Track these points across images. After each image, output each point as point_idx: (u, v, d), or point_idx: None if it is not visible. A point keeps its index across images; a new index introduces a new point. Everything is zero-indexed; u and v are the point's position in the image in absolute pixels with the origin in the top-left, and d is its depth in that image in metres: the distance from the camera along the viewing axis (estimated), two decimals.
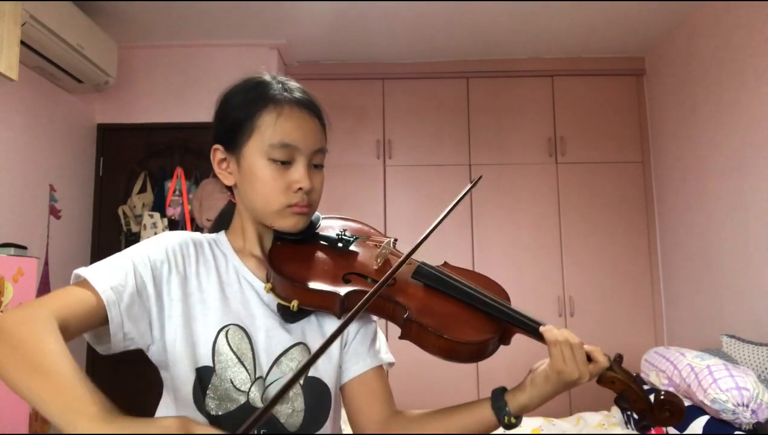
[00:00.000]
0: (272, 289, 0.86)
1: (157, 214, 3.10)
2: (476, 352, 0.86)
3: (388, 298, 0.86)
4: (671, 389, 2.26)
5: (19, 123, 2.66)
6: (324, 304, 0.86)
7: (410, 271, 0.92)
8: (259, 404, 0.82)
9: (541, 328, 0.85)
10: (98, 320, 0.75)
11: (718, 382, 1.94)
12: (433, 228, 0.85)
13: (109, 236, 3.27)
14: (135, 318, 0.78)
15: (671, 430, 2.12)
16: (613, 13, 3.05)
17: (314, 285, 0.85)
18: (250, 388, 0.82)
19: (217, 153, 0.91)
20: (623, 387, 0.85)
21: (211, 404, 0.80)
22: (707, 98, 2.90)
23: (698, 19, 2.98)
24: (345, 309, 0.85)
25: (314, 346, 0.88)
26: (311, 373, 0.87)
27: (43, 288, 2.77)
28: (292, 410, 0.84)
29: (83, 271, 0.77)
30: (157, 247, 0.84)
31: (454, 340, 0.83)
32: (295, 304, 0.84)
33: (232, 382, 0.81)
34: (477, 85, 3.62)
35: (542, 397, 0.84)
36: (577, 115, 3.57)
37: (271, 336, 0.86)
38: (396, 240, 1.00)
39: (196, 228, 3.07)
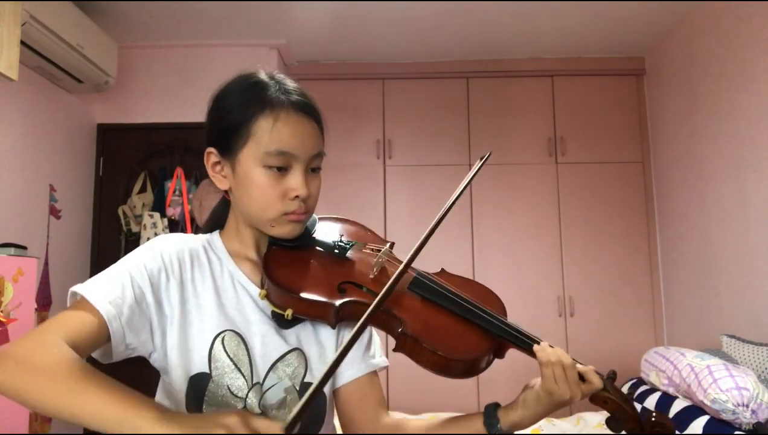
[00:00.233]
0: (267, 296, 0.85)
1: (157, 214, 3.10)
2: (470, 369, 0.86)
3: (383, 310, 0.85)
4: (671, 389, 2.26)
5: (19, 123, 2.66)
6: (319, 314, 0.85)
7: (407, 281, 0.90)
8: (257, 410, 0.81)
9: (535, 347, 0.85)
10: (104, 337, 0.74)
11: (718, 382, 1.94)
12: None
13: (109, 236, 3.27)
14: (136, 329, 0.77)
15: None
16: (613, 13, 3.05)
17: (309, 295, 0.84)
18: (247, 395, 0.81)
19: (211, 156, 0.89)
20: (615, 407, 0.85)
21: (208, 411, 0.80)
22: (707, 98, 2.90)
23: (698, 19, 2.98)
24: (340, 319, 0.85)
25: (310, 352, 0.88)
26: (308, 378, 0.86)
27: (43, 288, 2.77)
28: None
29: (80, 289, 0.76)
30: (153, 255, 0.83)
31: (449, 357, 0.83)
32: (289, 313, 0.83)
33: (229, 389, 0.81)
34: (477, 85, 3.62)
35: (534, 416, 0.84)
36: (577, 115, 3.57)
37: (267, 342, 0.85)
38: (393, 244, 0.99)
39: (196, 228, 3.07)
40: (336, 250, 0.92)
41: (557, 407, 0.84)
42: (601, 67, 3.59)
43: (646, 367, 2.52)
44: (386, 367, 0.99)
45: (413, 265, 0.87)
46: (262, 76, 0.88)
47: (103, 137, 3.36)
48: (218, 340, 0.82)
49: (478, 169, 0.94)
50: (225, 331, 0.83)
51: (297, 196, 0.84)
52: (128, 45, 3.31)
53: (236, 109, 0.84)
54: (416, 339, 0.83)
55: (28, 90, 2.72)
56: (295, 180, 0.84)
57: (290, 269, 0.87)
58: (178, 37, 3.32)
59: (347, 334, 0.92)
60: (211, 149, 0.88)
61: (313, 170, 0.87)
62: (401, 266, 0.82)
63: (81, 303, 0.75)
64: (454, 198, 0.89)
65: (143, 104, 3.36)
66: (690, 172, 3.09)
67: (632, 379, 2.72)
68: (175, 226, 3.14)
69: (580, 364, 0.86)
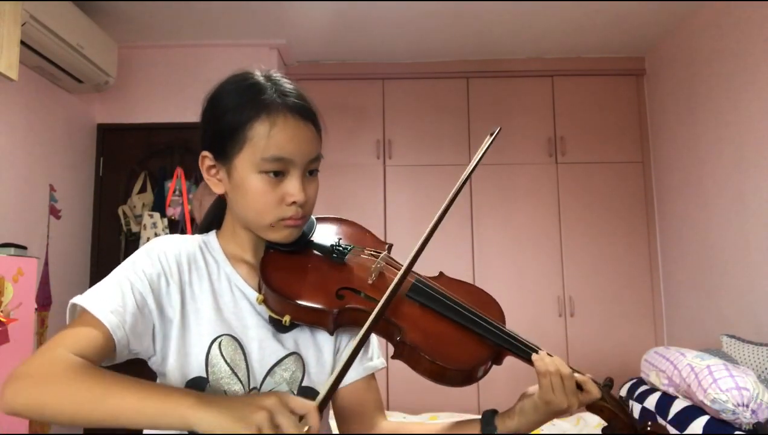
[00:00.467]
0: (264, 302, 0.84)
1: (157, 214, 3.10)
2: (467, 378, 0.85)
3: (382, 318, 0.84)
4: (671, 389, 2.26)
5: (19, 123, 2.66)
6: (317, 321, 0.84)
7: (406, 287, 0.89)
8: None
9: (533, 357, 0.85)
10: (110, 347, 0.73)
11: (718, 382, 1.94)
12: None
13: (109, 236, 3.27)
14: (139, 335, 0.77)
15: (672, 429, 2.12)
16: (613, 13, 3.05)
17: (307, 303, 0.83)
18: None
19: (206, 160, 0.87)
20: (611, 416, 0.85)
21: None
22: (707, 98, 2.90)
23: (698, 19, 2.98)
24: (338, 326, 0.84)
25: (307, 356, 0.87)
26: (305, 382, 0.86)
27: (43, 288, 2.77)
28: None
29: (80, 301, 0.75)
30: (151, 259, 0.82)
31: (447, 367, 0.82)
32: (287, 319, 0.82)
33: (226, 394, 0.80)
34: (477, 85, 3.62)
35: (531, 425, 0.85)
36: (577, 115, 3.57)
37: (264, 347, 0.84)
38: (391, 246, 0.98)
39: (197, 228, 3.07)
40: (334, 255, 0.91)
41: (554, 416, 0.85)
42: (601, 67, 3.59)
43: (646, 367, 2.52)
44: (384, 368, 0.99)
45: (412, 268, 0.87)
46: (258, 76, 0.85)
47: (103, 137, 3.36)
48: (215, 345, 0.81)
49: (489, 145, 0.92)
50: (222, 335, 0.82)
51: (294, 202, 0.82)
52: (128, 45, 3.31)
53: (231, 113, 0.82)
54: (415, 347, 0.82)
55: (28, 90, 2.72)
56: (293, 185, 0.82)
57: (287, 274, 0.86)
58: (178, 37, 3.32)
59: (345, 339, 0.92)
60: (205, 153, 0.86)
61: (310, 173, 0.86)
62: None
63: (83, 315, 0.74)
64: (465, 177, 0.88)
65: (143, 104, 3.36)
66: (690, 172, 3.09)
67: (632, 379, 2.72)
68: (175, 226, 3.14)
69: (578, 372, 0.86)
